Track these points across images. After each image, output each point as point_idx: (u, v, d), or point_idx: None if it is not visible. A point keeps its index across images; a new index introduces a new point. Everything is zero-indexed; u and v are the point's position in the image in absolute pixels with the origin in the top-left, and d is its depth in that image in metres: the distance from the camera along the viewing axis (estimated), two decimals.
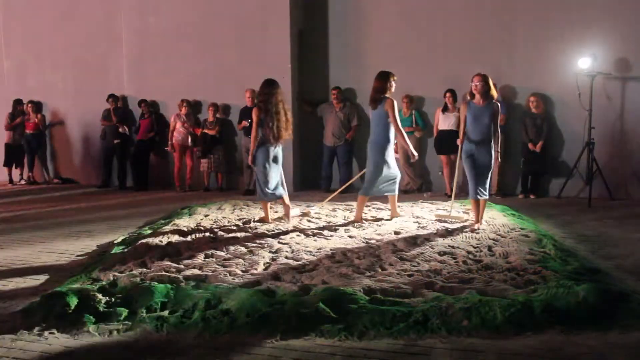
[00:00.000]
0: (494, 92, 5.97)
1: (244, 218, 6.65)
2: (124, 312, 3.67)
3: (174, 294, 3.91)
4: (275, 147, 6.30)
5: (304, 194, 8.91)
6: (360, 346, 3.21)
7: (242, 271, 4.47)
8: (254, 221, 6.44)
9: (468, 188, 6.09)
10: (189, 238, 5.63)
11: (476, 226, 5.91)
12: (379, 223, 6.33)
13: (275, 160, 6.32)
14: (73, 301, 3.74)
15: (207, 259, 4.89)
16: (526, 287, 3.91)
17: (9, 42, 11.37)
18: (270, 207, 6.70)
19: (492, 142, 5.94)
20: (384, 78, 6.50)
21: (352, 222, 6.35)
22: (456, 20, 8.92)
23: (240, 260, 4.80)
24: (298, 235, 5.73)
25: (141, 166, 10.05)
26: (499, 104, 6.00)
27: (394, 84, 6.56)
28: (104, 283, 4.21)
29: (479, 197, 5.95)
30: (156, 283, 4.10)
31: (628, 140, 8.32)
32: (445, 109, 8.76)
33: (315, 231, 5.90)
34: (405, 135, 6.58)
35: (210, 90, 9.75)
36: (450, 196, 8.62)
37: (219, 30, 9.67)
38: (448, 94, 8.66)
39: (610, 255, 5.10)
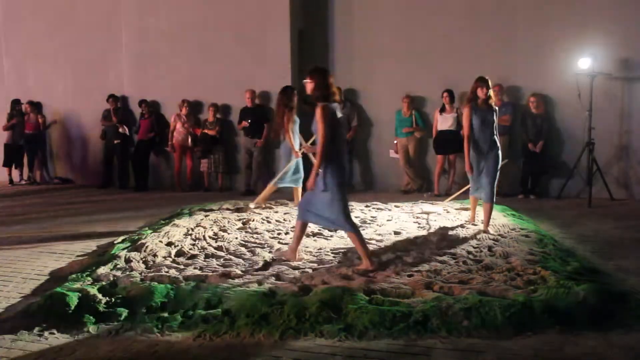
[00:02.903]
0: (321, 92, 4.53)
1: (244, 218, 6.65)
2: (124, 312, 3.67)
3: (174, 294, 3.91)
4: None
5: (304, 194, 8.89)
6: (360, 346, 3.21)
7: (242, 271, 4.47)
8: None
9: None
10: (189, 238, 5.64)
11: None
12: (379, 223, 6.32)
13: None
14: (73, 301, 3.74)
15: (207, 259, 4.89)
16: (526, 287, 3.91)
17: (9, 42, 11.38)
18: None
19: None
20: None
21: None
22: (456, 20, 8.92)
23: (240, 260, 4.80)
24: None
25: (141, 166, 10.05)
26: (324, 108, 4.43)
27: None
28: (104, 283, 4.21)
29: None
30: (156, 283, 4.11)
31: (628, 141, 8.32)
32: (442, 110, 8.77)
33: (315, 231, 5.90)
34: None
35: (210, 90, 9.75)
36: (438, 195, 8.63)
37: (219, 30, 9.67)
38: (445, 94, 8.65)
39: (610, 255, 5.10)
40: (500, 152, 5.91)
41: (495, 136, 5.86)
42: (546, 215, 7.03)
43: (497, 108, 5.99)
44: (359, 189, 9.58)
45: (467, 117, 5.86)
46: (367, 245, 4.72)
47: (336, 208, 4.51)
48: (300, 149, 7.12)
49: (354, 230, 4.60)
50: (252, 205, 7.29)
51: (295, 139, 7.18)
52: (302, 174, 7.33)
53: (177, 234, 5.80)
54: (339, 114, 4.58)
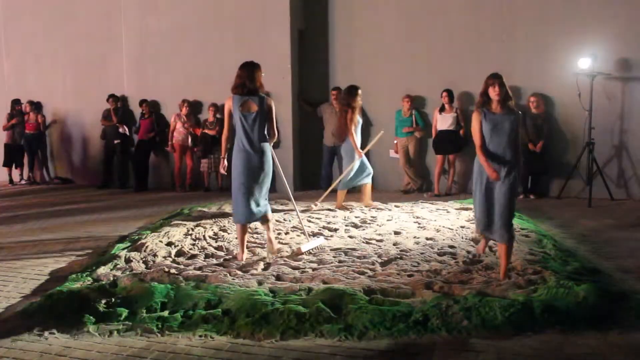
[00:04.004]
0: (233, 84, 4.92)
1: None
2: (124, 312, 3.68)
3: (174, 294, 3.91)
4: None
5: (304, 194, 8.90)
6: (360, 346, 3.22)
7: (242, 271, 4.48)
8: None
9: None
10: (189, 238, 5.64)
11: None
12: (379, 223, 6.32)
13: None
14: (73, 301, 3.74)
15: (207, 259, 4.89)
16: (526, 287, 3.92)
17: (9, 42, 11.37)
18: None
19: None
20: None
21: None
22: (456, 20, 8.92)
23: (241, 260, 4.80)
24: (298, 236, 5.73)
25: (141, 166, 10.05)
26: (227, 99, 4.90)
27: None
28: (104, 283, 4.21)
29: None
30: (156, 283, 4.11)
31: (628, 141, 8.31)
32: (442, 110, 8.77)
33: (315, 231, 5.90)
34: None
35: (210, 90, 9.74)
36: (438, 195, 8.63)
37: (219, 30, 9.67)
38: (444, 94, 8.66)
39: (610, 255, 5.10)
40: (516, 175, 4.30)
41: (512, 151, 4.27)
42: (546, 215, 7.03)
43: (519, 113, 4.42)
44: (359, 189, 9.56)
45: (476, 125, 4.36)
46: (246, 242, 5.01)
47: (233, 196, 4.90)
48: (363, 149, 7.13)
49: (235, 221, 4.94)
50: (315, 206, 7.25)
51: (357, 139, 7.11)
52: (370, 169, 7.31)
53: (177, 234, 5.80)
54: (243, 108, 4.76)
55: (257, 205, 4.87)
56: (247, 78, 4.72)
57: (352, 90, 7.14)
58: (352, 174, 7.21)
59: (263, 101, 4.79)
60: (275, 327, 3.40)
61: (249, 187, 4.80)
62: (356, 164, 7.16)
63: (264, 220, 4.97)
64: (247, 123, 4.76)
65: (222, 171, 5.01)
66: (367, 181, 7.35)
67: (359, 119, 7.21)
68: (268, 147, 4.89)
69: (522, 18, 8.61)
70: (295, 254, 5.00)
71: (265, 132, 4.85)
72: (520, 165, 4.37)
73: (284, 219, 6.60)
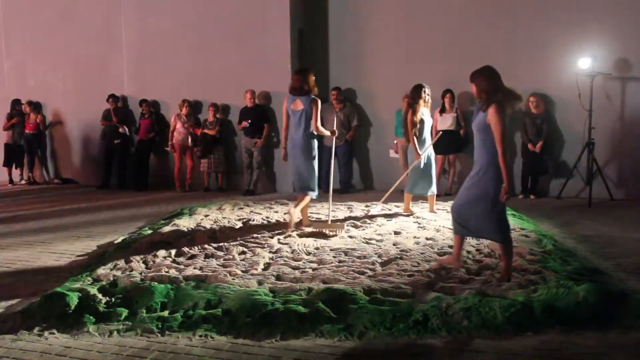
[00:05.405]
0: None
1: (244, 218, 6.65)
2: (124, 312, 3.68)
3: (174, 294, 3.91)
4: None
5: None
6: (360, 346, 3.21)
7: (242, 271, 4.48)
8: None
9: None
10: (189, 238, 5.63)
11: None
12: (379, 223, 6.32)
13: None
14: (73, 301, 3.75)
15: (207, 259, 4.89)
16: (526, 287, 3.92)
17: (9, 42, 11.38)
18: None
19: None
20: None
21: None
22: (456, 20, 8.92)
23: (241, 260, 4.80)
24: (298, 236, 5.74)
25: (141, 166, 10.05)
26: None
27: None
28: (104, 283, 4.21)
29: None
30: (156, 283, 4.11)
31: (628, 141, 8.31)
32: (442, 110, 8.77)
33: (315, 231, 5.90)
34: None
35: (210, 90, 9.75)
36: (438, 195, 8.61)
37: (219, 30, 9.67)
38: (447, 95, 8.67)
39: (610, 255, 5.10)
40: (490, 180, 4.04)
41: (486, 153, 4.06)
42: (546, 215, 7.03)
43: (495, 104, 4.06)
44: (359, 189, 9.58)
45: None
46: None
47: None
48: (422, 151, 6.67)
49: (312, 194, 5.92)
50: (379, 207, 7.20)
51: (420, 141, 6.72)
52: (432, 179, 6.83)
53: (177, 233, 5.80)
54: (293, 105, 5.73)
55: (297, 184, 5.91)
56: (304, 81, 5.61)
57: (416, 90, 6.71)
58: (414, 177, 6.82)
59: (309, 101, 5.63)
60: (275, 327, 3.40)
61: (293, 169, 5.90)
62: (416, 166, 6.75)
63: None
64: (294, 118, 5.73)
65: (282, 161, 6.26)
66: (426, 192, 6.89)
67: (425, 119, 6.81)
68: (312, 142, 5.78)
69: (522, 18, 8.61)
70: (310, 224, 5.93)
71: (311, 129, 5.69)
72: (494, 168, 4.00)
73: (284, 219, 6.59)
